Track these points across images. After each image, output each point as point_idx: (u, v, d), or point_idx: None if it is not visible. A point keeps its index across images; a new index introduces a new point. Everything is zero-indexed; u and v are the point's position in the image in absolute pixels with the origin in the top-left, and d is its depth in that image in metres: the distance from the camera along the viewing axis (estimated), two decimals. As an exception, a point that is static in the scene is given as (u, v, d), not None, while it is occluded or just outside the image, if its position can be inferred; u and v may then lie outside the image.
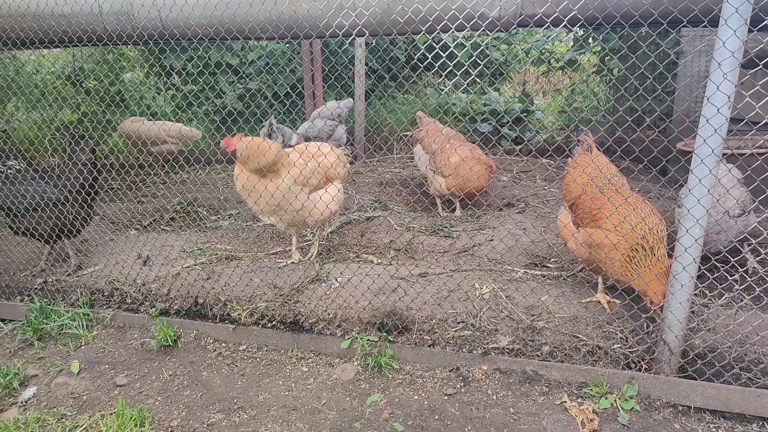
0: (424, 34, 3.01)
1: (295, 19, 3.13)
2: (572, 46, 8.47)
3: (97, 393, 3.02)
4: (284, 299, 3.51)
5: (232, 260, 4.11)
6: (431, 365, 3.09)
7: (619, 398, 2.70)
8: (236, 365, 3.22)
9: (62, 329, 3.59)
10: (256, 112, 7.57)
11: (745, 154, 4.16)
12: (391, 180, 6.25)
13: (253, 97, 7.89)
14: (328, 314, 3.36)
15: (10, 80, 7.58)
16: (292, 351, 3.29)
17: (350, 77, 7.61)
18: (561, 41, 9.36)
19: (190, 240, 4.51)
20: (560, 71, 8.77)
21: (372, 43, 7.48)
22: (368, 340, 3.18)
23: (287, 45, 8.04)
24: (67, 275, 4.03)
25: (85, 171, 3.97)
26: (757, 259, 3.64)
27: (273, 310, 3.46)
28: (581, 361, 2.92)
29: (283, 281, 3.71)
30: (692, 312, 2.96)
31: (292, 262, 3.98)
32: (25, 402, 2.96)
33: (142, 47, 8.08)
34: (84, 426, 2.72)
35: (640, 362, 2.87)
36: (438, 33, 2.95)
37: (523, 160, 6.75)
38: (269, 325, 3.43)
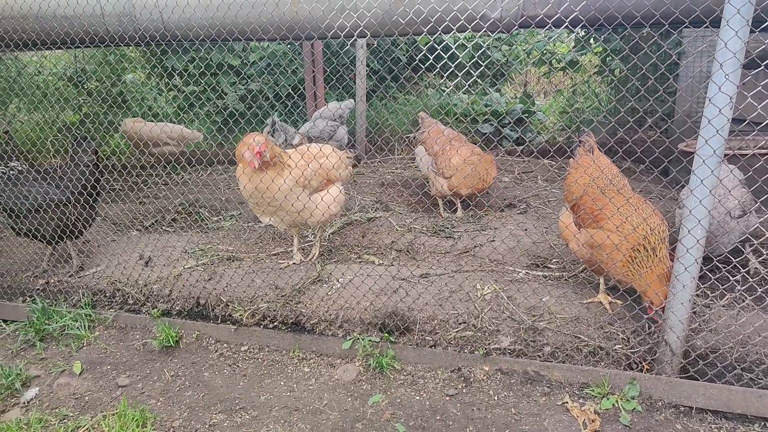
0: (425, 35, 3.01)
1: (296, 20, 3.13)
2: (573, 47, 8.46)
3: (99, 393, 3.02)
4: (286, 300, 3.51)
5: (233, 261, 4.11)
6: (433, 366, 3.09)
7: (621, 399, 2.70)
8: (238, 366, 3.22)
9: (64, 330, 3.59)
10: (258, 113, 7.57)
11: (746, 154, 4.16)
12: (393, 181, 6.25)
13: (254, 98, 7.90)
14: (330, 315, 3.36)
15: (12, 81, 7.59)
16: (293, 352, 3.30)
17: (351, 78, 7.62)
18: (562, 42, 9.36)
19: (192, 241, 4.52)
20: (562, 72, 8.76)
21: (373, 44, 7.49)
22: (370, 340, 3.18)
23: (289, 46, 8.05)
24: (69, 276, 4.03)
25: (87, 172, 3.98)
26: (759, 259, 3.63)
27: (274, 310, 3.46)
28: (583, 361, 2.92)
29: (284, 282, 3.71)
30: (694, 312, 2.96)
31: (294, 263, 3.99)
32: (27, 402, 2.96)
33: (144, 48, 8.09)
34: (86, 426, 2.72)
35: (641, 363, 2.87)
36: (439, 34, 2.95)
37: (524, 161, 6.74)
38: (271, 325, 3.44)
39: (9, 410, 2.91)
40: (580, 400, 2.75)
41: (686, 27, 2.63)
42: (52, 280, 4.02)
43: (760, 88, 2.57)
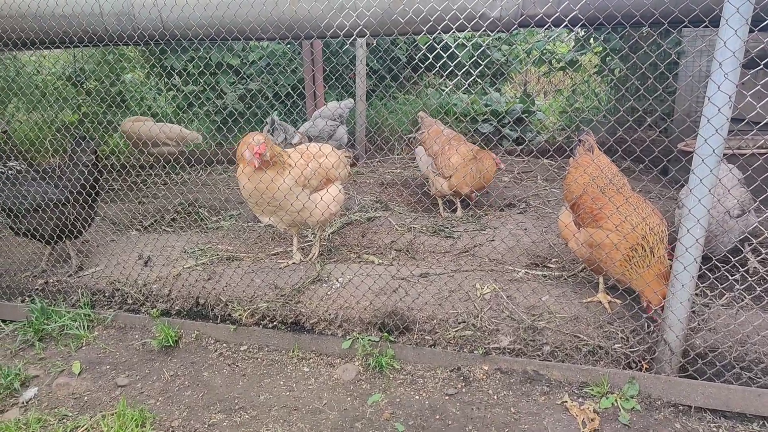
0: (425, 34, 3.01)
1: (295, 20, 3.13)
2: (573, 47, 8.46)
3: (98, 393, 3.02)
4: (285, 300, 3.51)
5: (233, 261, 4.11)
6: (432, 365, 3.09)
7: (620, 398, 2.70)
8: (237, 365, 3.22)
9: (63, 330, 3.59)
10: (257, 113, 7.57)
11: (746, 153, 4.16)
12: (392, 180, 6.25)
13: (253, 98, 7.89)
14: (329, 314, 3.36)
15: (11, 81, 7.59)
16: (293, 351, 3.30)
17: (351, 77, 7.61)
18: (562, 41, 9.36)
19: (191, 241, 4.51)
20: (561, 71, 8.76)
21: (373, 44, 7.48)
22: (369, 340, 3.18)
23: (288, 45, 8.05)
24: (68, 276, 4.03)
25: (86, 172, 3.98)
26: (758, 258, 3.64)
27: (274, 310, 3.46)
28: (582, 360, 2.92)
29: (284, 282, 3.71)
30: (693, 312, 2.96)
31: (293, 263, 3.98)
32: (26, 402, 2.96)
33: (143, 48, 8.09)
34: (85, 426, 2.72)
35: (640, 362, 2.87)
36: (439, 33, 2.95)
37: (524, 161, 6.74)
38: (270, 325, 3.43)
39: (8, 410, 2.91)
40: (580, 399, 2.75)
41: (685, 26, 2.63)
42: (51, 280, 4.01)
43: (759, 87, 2.57)
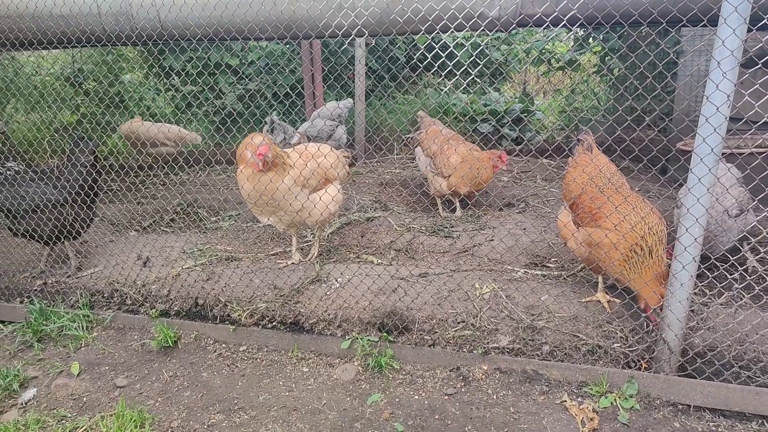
0: (423, 34, 3.01)
1: (294, 20, 3.13)
2: (572, 46, 8.47)
3: (97, 394, 3.02)
4: (284, 300, 3.51)
5: (232, 261, 4.11)
6: (431, 365, 3.09)
7: (619, 397, 2.70)
8: (236, 366, 3.22)
9: (62, 331, 3.59)
10: (256, 113, 7.56)
11: (744, 153, 4.16)
12: (391, 180, 6.25)
13: (252, 98, 7.89)
14: (329, 315, 3.36)
15: (9, 81, 7.58)
16: (292, 351, 3.29)
17: (350, 77, 7.61)
18: (561, 41, 9.36)
19: (190, 241, 4.51)
20: (560, 71, 8.76)
21: (371, 43, 7.47)
22: (368, 340, 3.18)
23: (287, 45, 8.04)
24: (67, 277, 4.03)
25: (85, 172, 3.97)
26: (757, 257, 3.64)
27: (273, 310, 3.45)
28: (581, 360, 2.92)
29: (283, 282, 3.71)
30: (692, 311, 2.96)
31: (293, 263, 3.98)
32: (25, 403, 2.96)
33: (142, 48, 8.08)
34: (84, 427, 2.72)
35: (639, 361, 2.87)
36: (437, 33, 2.95)
37: (523, 160, 6.75)
38: (269, 325, 3.43)
39: (7, 411, 2.90)
40: (579, 399, 2.75)
41: (684, 25, 2.63)
42: (50, 281, 4.01)
43: (757, 86, 2.57)
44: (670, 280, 2.60)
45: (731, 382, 2.64)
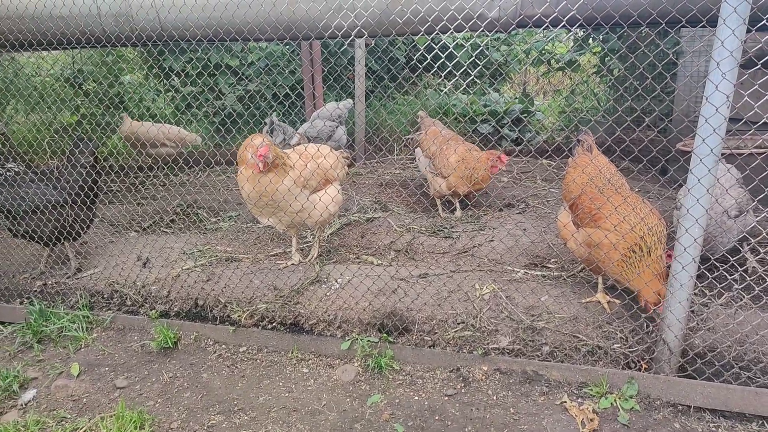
0: (423, 34, 3.01)
1: (293, 21, 3.13)
2: (572, 47, 8.47)
3: (96, 395, 3.02)
4: (284, 301, 3.51)
5: (232, 262, 4.11)
6: (431, 366, 3.08)
7: (619, 398, 2.70)
8: (236, 367, 3.22)
9: (62, 332, 3.59)
10: (256, 114, 7.56)
11: (744, 153, 4.16)
12: (391, 181, 6.25)
13: (252, 99, 7.89)
14: (329, 315, 3.36)
15: (9, 82, 7.58)
16: (292, 352, 3.29)
17: (350, 78, 7.61)
18: (560, 42, 9.37)
19: (190, 242, 4.51)
20: (560, 72, 8.77)
21: (371, 44, 7.48)
22: (368, 341, 3.18)
23: (287, 46, 8.05)
24: (67, 278, 4.03)
25: (84, 173, 3.97)
26: (756, 258, 3.64)
27: (273, 311, 3.45)
28: (581, 361, 2.92)
29: (283, 283, 3.70)
30: (692, 311, 2.96)
31: (293, 264, 3.98)
32: (25, 404, 2.95)
33: (142, 49, 8.08)
34: (84, 428, 2.72)
35: (639, 362, 2.87)
36: (437, 34, 2.95)
37: (522, 161, 6.75)
38: (269, 326, 3.43)
39: (7, 412, 2.90)
40: (579, 400, 2.75)
41: (684, 26, 2.63)
42: (50, 282, 4.01)
43: (757, 86, 2.57)
44: (670, 280, 2.60)
45: (731, 383, 2.64)
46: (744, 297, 3.03)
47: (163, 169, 6.68)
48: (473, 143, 5.40)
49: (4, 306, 3.85)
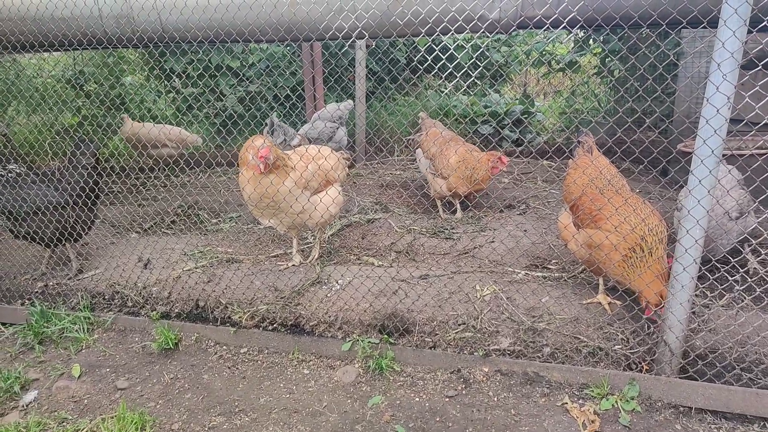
0: (423, 36, 3.01)
1: (294, 22, 3.13)
2: (572, 48, 8.47)
3: (98, 396, 3.02)
4: (285, 302, 3.51)
5: (233, 263, 4.11)
6: (432, 367, 3.08)
7: (621, 399, 2.70)
8: (237, 368, 3.22)
9: (63, 333, 3.59)
10: (257, 115, 7.57)
11: (745, 154, 4.16)
12: (392, 182, 6.25)
13: (253, 100, 7.90)
14: (329, 317, 3.36)
15: (11, 84, 7.59)
16: (293, 354, 3.29)
17: (350, 79, 7.62)
18: (561, 43, 9.37)
19: (191, 243, 4.51)
20: (560, 73, 8.77)
21: (372, 46, 7.49)
22: (369, 342, 3.18)
23: (287, 47, 8.05)
24: (68, 279, 4.03)
25: (86, 174, 3.98)
26: (758, 259, 3.63)
27: (274, 312, 3.45)
28: (582, 362, 2.91)
29: (283, 284, 3.71)
30: (693, 313, 2.95)
31: (293, 265, 3.98)
32: (26, 406, 2.96)
33: (143, 50, 8.09)
34: (85, 429, 2.72)
35: (641, 363, 2.87)
36: (438, 35, 2.95)
37: (523, 162, 6.75)
38: (270, 327, 3.43)
39: (8, 413, 2.90)
40: (580, 401, 2.75)
41: (684, 27, 2.63)
42: (51, 283, 4.01)
43: (758, 88, 2.57)
44: (671, 282, 2.60)
45: (733, 384, 2.64)
46: (745, 298, 3.03)
47: (164, 170, 6.68)
48: (474, 144, 5.40)
49: (6, 307, 3.86)
